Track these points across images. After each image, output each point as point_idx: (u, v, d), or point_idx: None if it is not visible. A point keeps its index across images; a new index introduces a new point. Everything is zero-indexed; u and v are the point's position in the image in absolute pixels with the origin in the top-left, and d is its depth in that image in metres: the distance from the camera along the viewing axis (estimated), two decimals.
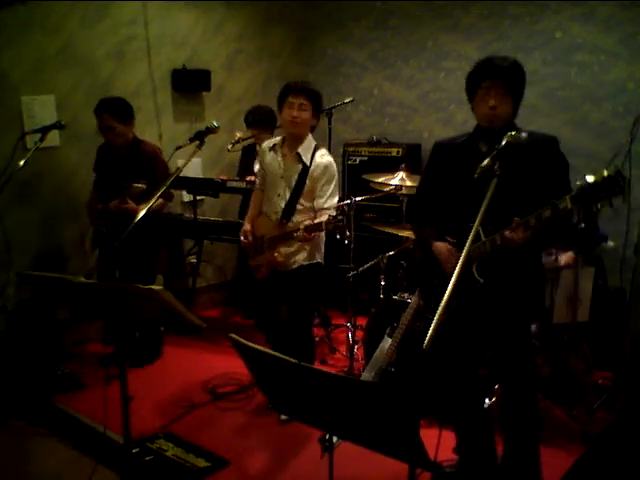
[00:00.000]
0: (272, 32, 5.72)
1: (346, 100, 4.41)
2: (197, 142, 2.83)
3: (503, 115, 2.28)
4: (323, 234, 3.30)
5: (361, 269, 4.00)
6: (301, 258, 3.28)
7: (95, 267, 4.09)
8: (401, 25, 5.32)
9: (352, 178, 5.05)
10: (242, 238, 3.38)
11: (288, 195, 3.24)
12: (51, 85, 4.28)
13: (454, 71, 5.05)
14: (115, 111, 3.75)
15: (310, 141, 3.27)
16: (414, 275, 2.60)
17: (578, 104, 4.44)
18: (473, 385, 2.64)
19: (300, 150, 3.21)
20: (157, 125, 4.94)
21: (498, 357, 2.49)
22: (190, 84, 5.05)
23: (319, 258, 3.35)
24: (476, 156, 2.26)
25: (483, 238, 2.23)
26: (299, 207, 3.22)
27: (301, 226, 2.99)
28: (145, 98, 4.85)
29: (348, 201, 3.97)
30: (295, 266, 3.28)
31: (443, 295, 1.85)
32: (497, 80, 2.27)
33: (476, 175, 2.15)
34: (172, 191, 4.03)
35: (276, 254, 3.20)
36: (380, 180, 4.04)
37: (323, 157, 3.23)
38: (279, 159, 3.28)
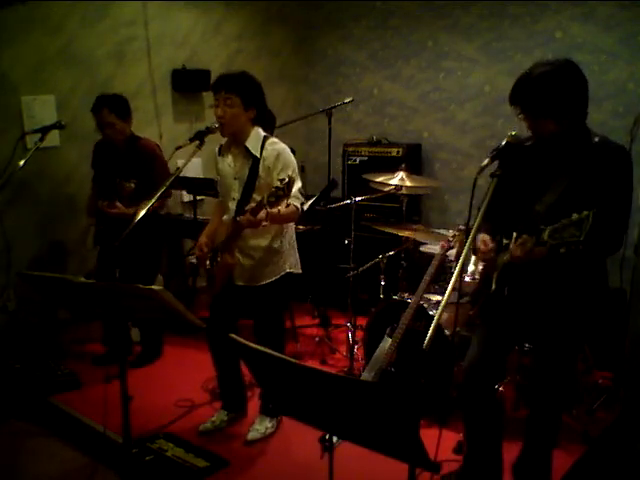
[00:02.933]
0: (272, 32, 5.73)
1: (346, 100, 4.41)
2: (197, 142, 2.81)
3: (545, 133, 2.18)
4: (292, 238, 3.12)
5: (361, 269, 3.99)
6: (268, 272, 3.03)
7: (95, 266, 4.09)
8: (401, 25, 5.32)
9: (352, 178, 5.06)
10: (197, 252, 3.12)
11: (241, 193, 2.98)
12: (51, 85, 4.28)
13: (454, 71, 5.05)
14: (114, 107, 3.73)
15: (257, 133, 2.96)
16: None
17: None
18: (497, 375, 2.66)
19: (247, 144, 2.94)
20: (157, 125, 4.94)
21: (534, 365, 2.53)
22: (190, 84, 5.06)
23: (289, 267, 3.09)
24: (542, 160, 2.26)
25: (512, 245, 2.21)
26: (253, 203, 2.82)
27: (247, 208, 2.72)
28: (145, 98, 4.85)
29: (348, 201, 3.98)
30: (261, 282, 3.04)
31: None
32: (517, 106, 2.19)
33: (476, 175, 2.15)
34: (171, 191, 4.01)
35: (228, 256, 2.91)
36: (380, 180, 4.04)
37: (274, 145, 2.94)
38: (229, 160, 3.03)
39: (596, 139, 2.21)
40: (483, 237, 2.37)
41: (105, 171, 3.92)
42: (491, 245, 2.33)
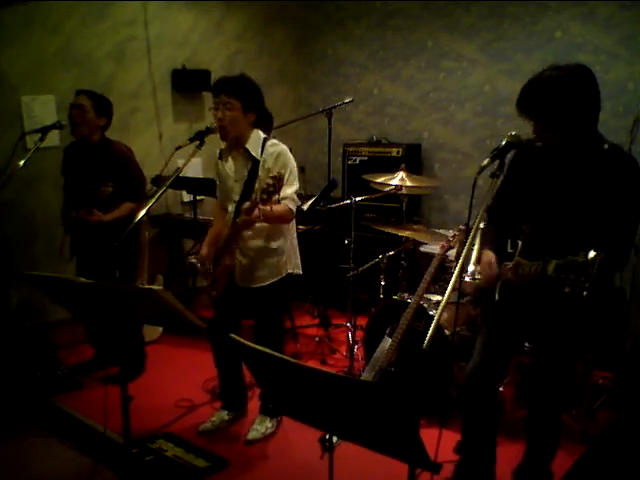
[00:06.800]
0: (272, 32, 5.73)
1: (346, 100, 4.41)
2: (197, 142, 2.81)
3: (553, 140, 2.13)
4: (293, 239, 3.10)
5: (361, 269, 3.99)
6: (268, 274, 3.02)
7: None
8: (401, 25, 5.32)
9: (352, 178, 5.07)
10: (199, 265, 3.09)
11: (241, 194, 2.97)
12: (51, 85, 4.29)
13: (454, 71, 5.05)
14: (94, 97, 3.60)
15: (257, 135, 2.96)
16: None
17: None
18: (499, 378, 2.67)
19: (248, 146, 2.93)
20: (157, 125, 4.95)
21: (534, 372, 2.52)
22: (190, 84, 5.06)
23: (290, 268, 3.08)
24: (551, 163, 2.21)
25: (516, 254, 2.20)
26: (248, 202, 2.84)
27: (242, 207, 2.74)
28: (145, 98, 4.86)
29: (348, 201, 3.98)
30: (260, 283, 3.02)
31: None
32: (523, 114, 2.14)
33: (477, 175, 2.14)
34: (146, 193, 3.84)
35: (227, 257, 2.92)
36: (380, 180, 4.04)
37: (274, 146, 2.93)
38: (229, 164, 3.03)
39: (606, 146, 2.14)
40: (489, 258, 2.30)
41: (76, 177, 3.73)
42: (495, 269, 2.28)
